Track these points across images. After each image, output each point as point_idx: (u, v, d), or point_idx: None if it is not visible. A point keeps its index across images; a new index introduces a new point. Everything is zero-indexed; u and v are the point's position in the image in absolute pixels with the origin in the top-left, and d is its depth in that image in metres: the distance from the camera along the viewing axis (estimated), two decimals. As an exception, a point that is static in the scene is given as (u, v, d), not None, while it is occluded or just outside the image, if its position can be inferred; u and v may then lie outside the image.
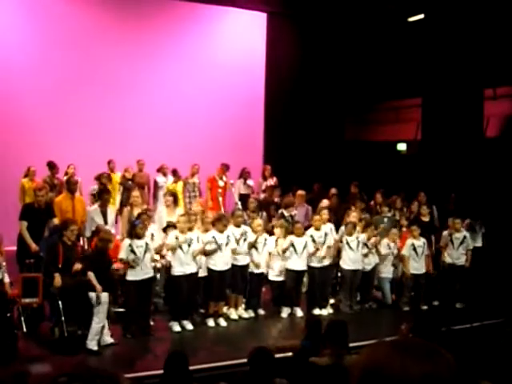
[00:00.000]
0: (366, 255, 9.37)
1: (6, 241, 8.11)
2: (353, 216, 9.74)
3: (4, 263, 7.40)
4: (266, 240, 8.91)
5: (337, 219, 10.06)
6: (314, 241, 9.10)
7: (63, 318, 7.12)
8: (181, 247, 7.95)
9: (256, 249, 8.77)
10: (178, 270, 7.98)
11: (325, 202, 10.85)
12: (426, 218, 10.62)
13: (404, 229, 10.17)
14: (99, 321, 7.08)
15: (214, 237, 8.31)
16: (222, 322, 8.37)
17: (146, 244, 7.75)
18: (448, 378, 1.28)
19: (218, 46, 14.68)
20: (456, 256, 9.86)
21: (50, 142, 12.53)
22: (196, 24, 14.45)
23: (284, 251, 8.90)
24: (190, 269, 8.03)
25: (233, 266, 8.56)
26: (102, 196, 9.23)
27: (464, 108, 13.26)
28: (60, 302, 7.17)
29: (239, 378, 4.58)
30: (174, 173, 12.13)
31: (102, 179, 10.86)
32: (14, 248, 8.50)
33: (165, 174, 12.34)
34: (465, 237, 9.91)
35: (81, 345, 7.03)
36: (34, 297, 7.29)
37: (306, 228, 9.47)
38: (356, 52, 15.37)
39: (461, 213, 10.57)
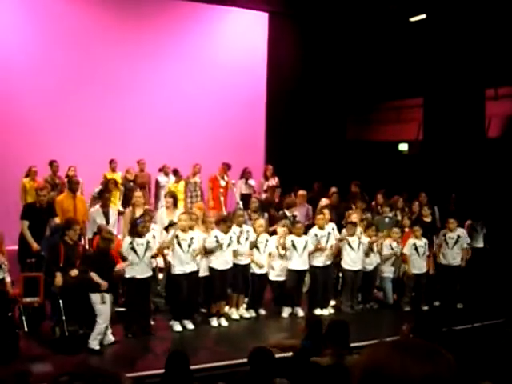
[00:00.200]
0: (367, 255, 9.37)
1: (7, 240, 8.12)
2: (353, 216, 9.74)
3: (6, 262, 7.41)
4: (267, 241, 8.91)
5: (337, 218, 10.06)
6: (317, 239, 9.10)
7: (64, 318, 7.13)
8: (180, 245, 7.94)
9: (258, 249, 8.78)
10: (177, 269, 7.98)
11: (324, 201, 10.87)
12: (427, 219, 10.61)
13: (406, 229, 10.16)
14: (103, 321, 7.09)
15: (216, 236, 8.32)
16: (224, 322, 8.38)
17: (147, 242, 7.76)
18: (448, 378, 1.29)
19: (219, 46, 14.68)
20: (451, 256, 9.86)
21: (50, 141, 12.53)
22: (197, 24, 14.44)
23: (284, 248, 8.88)
24: (190, 268, 8.03)
25: (234, 265, 8.56)
26: (103, 195, 9.25)
27: (466, 108, 13.25)
28: (61, 302, 7.18)
29: (240, 377, 4.58)
30: (175, 172, 12.13)
31: (109, 185, 10.63)
32: (16, 247, 8.51)
33: (166, 174, 12.35)
34: (459, 236, 9.90)
35: (82, 344, 7.04)
36: (35, 296, 7.30)
37: (307, 227, 9.47)
38: (357, 52, 15.35)
39: (462, 213, 10.56)
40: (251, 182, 12.60)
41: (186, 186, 12.03)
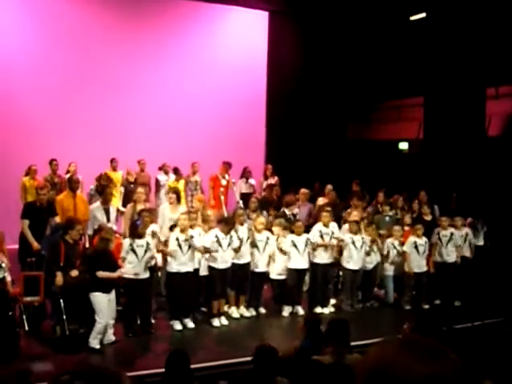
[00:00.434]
0: (368, 254, 9.37)
1: (7, 239, 8.13)
2: (354, 215, 9.74)
3: (6, 262, 7.41)
4: (268, 239, 8.90)
5: (335, 216, 10.05)
6: (321, 236, 9.11)
7: (65, 317, 7.13)
8: (181, 247, 7.94)
9: (257, 248, 8.78)
10: (173, 268, 7.99)
11: (321, 200, 10.89)
12: (427, 217, 10.65)
13: (406, 227, 10.17)
14: (102, 320, 7.09)
15: (216, 236, 8.31)
16: (224, 321, 8.38)
17: (147, 243, 7.76)
18: (454, 378, 1.28)
19: (219, 45, 14.67)
20: (445, 253, 9.89)
21: (51, 141, 12.53)
22: (197, 23, 14.43)
23: (285, 252, 8.89)
24: (186, 268, 8.02)
25: (234, 264, 8.56)
26: (104, 192, 9.24)
27: (466, 107, 13.25)
28: (61, 301, 7.18)
29: (240, 376, 4.58)
30: (176, 171, 12.13)
31: (101, 180, 10.91)
32: (16, 246, 8.51)
33: (166, 173, 12.34)
34: (452, 234, 9.93)
35: (82, 343, 7.04)
36: (36, 295, 7.31)
37: (309, 226, 9.47)
38: (358, 51, 15.35)
39: (463, 212, 10.57)
40: (251, 181, 12.60)
41: (187, 185, 12.04)
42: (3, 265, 7.30)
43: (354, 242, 9.25)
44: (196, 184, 12.15)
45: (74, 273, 7.34)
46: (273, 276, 9.05)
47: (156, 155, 12.54)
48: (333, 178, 12.67)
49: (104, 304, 7.13)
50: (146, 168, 12.38)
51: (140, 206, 8.72)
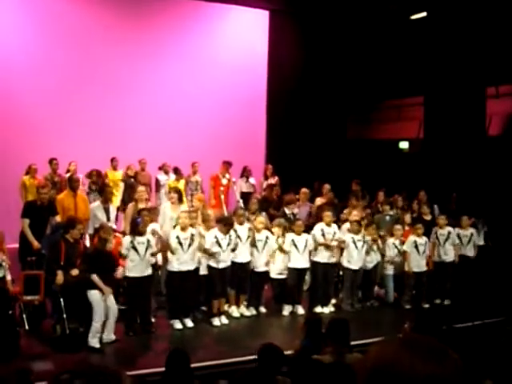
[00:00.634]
0: (367, 253, 9.37)
1: (7, 238, 8.13)
2: (354, 214, 9.74)
3: (7, 260, 7.41)
4: (267, 238, 8.90)
5: (334, 216, 10.05)
6: (323, 235, 9.10)
7: (65, 316, 7.13)
8: (181, 245, 7.95)
9: (256, 247, 8.77)
10: (174, 267, 7.99)
11: (319, 200, 10.91)
12: (427, 217, 10.65)
13: (406, 227, 10.17)
14: (98, 319, 7.09)
15: (216, 236, 8.31)
16: (224, 320, 8.38)
17: (148, 241, 7.77)
18: (455, 378, 1.28)
19: (219, 45, 14.66)
20: (443, 253, 9.90)
21: (51, 140, 12.53)
22: (197, 22, 14.43)
23: (285, 252, 8.89)
24: (188, 266, 8.02)
25: (234, 263, 8.56)
26: (103, 192, 9.26)
27: (466, 106, 13.25)
28: (62, 300, 7.18)
29: (240, 375, 4.58)
30: (176, 171, 12.14)
31: (91, 177, 11.09)
32: (16, 245, 8.51)
33: (166, 172, 12.35)
34: (449, 232, 9.94)
35: (83, 342, 7.05)
36: (36, 294, 7.31)
37: (309, 226, 9.47)
38: (358, 50, 15.34)
39: (463, 212, 10.57)
40: (251, 180, 12.61)
41: (187, 185, 12.06)
42: (3, 264, 7.30)
43: (354, 242, 9.24)
44: (196, 184, 12.17)
45: (75, 272, 7.34)
46: (273, 275, 9.05)
47: (156, 155, 12.53)
48: (333, 177, 12.67)
49: (101, 303, 7.13)
50: (146, 167, 12.39)
51: (141, 205, 8.73)
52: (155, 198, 12.26)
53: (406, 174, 13.90)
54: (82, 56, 13.13)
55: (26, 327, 7.33)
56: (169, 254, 8.05)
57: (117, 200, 11.13)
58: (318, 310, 9.01)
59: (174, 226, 8.41)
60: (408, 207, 11.21)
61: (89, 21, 13.21)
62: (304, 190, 11.11)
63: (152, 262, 7.95)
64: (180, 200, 9.29)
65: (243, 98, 14.79)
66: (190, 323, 8.06)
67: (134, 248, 7.64)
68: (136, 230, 7.76)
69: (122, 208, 10.48)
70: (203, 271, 8.35)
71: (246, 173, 12.55)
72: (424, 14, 14.31)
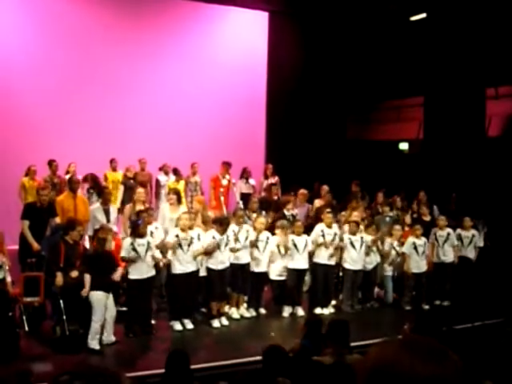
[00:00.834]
0: (367, 254, 9.37)
1: (7, 240, 8.12)
2: (354, 215, 9.74)
3: (6, 262, 7.41)
4: (268, 239, 8.90)
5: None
6: (323, 236, 9.10)
7: (65, 317, 7.13)
8: (181, 246, 7.95)
9: (257, 247, 8.77)
10: (177, 269, 7.99)
11: (317, 202, 10.91)
12: (426, 218, 10.65)
13: (407, 228, 10.18)
14: (97, 320, 7.09)
15: (213, 237, 8.31)
16: (224, 321, 8.37)
17: (148, 242, 7.77)
18: (455, 379, 1.28)
19: (219, 45, 14.67)
20: (442, 254, 9.90)
21: (51, 141, 12.52)
22: (197, 23, 14.43)
23: (286, 251, 8.89)
24: (190, 267, 8.03)
25: (234, 264, 8.56)
26: (102, 195, 9.27)
27: (466, 107, 13.25)
28: (61, 301, 7.18)
29: (240, 377, 4.58)
30: (176, 172, 12.14)
31: (87, 181, 11.12)
32: (16, 247, 8.51)
33: (166, 173, 12.35)
34: (448, 234, 9.93)
35: (82, 343, 7.04)
36: (36, 296, 7.31)
37: (307, 227, 9.47)
38: (358, 51, 15.35)
39: (463, 212, 10.57)
40: (251, 181, 12.61)
41: (186, 186, 12.06)
42: (3, 265, 7.30)
43: (352, 243, 9.25)
44: (196, 184, 12.16)
45: (74, 273, 7.34)
46: (273, 277, 9.05)
47: (156, 155, 12.53)
48: (332, 178, 12.68)
49: (101, 304, 7.13)
50: (146, 167, 12.38)
51: (139, 206, 8.73)
52: (155, 199, 12.27)
53: (406, 175, 13.91)
54: (82, 56, 13.13)
55: (26, 329, 7.33)
56: (169, 255, 8.04)
57: (117, 201, 11.13)
58: (318, 311, 9.00)
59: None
60: (407, 208, 11.21)
61: (89, 21, 13.21)
62: (302, 191, 11.11)
63: (153, 263, 7.95)
64: (179, 201, 9.29)
65: (243, 98, 14.80)
66: (189, 325, 8.06)
67: (135, 250, 7.64)
68: (136, 231, 7.76)
69: (122, 210, 10.47)
70: (203, 273, 8.35)
71: (245, 174, 12.55)
72: (424, 15, 14.32)
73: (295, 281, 9.00)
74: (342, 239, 9.32)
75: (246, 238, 8.67)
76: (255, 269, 8.81)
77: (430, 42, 14.16)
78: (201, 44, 14.47)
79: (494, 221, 11.41)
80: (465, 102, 13.24)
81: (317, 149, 15.01)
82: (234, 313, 8.66)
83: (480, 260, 10.39)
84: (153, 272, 7.88)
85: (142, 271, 7.70)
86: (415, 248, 9.58)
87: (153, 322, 7.98)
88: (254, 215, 9.54)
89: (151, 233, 8.16)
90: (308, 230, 9.35)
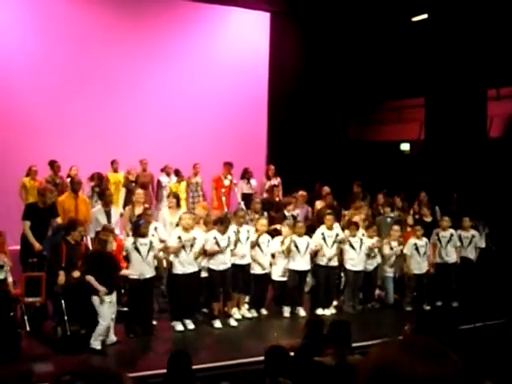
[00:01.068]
0: (368, 255, 9.37)
1: (9, 240, 8.14)
2: (355, 216, 9.73)
3: (8, 262, 7.41)
4: (269, 241, 8.91)
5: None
6: (324, 239, 9.10)
7: (66, 317, 7.13)
8: (184, 247, 7.95)
9: (260, 248, 8.77)
10: (178, 269, 7.99)
11: (318, 203, 10.91)
12: (427, 219, 10.64)
13: (408, 229, 10.17)
14: (104, 322, 7.09)
15: (215, 237, 8.31)
16: (233, 322, 8.36)
17: (150, 242, 7.77)
18: (455, 379, 1.28)
19: (220, 46, 14.67)
20: (445, 254, 9.89)
21: (51, 141, 12.52)
22: (198, 24, 14.43)
23: (289, 251, 8.89)
24: (192, 268, 8.03)
25: (235, 265, 8.56)
26: (104, 195, 9.27)
27: (467, 108, 13.24)
28: (63, 301, 7.19)
29: (242, 377, 4.58)
30: (177, 173, 12.15)
31: (94, 180, 11.16)
32: (18, 247, 8.52)
33: (168, 174, 12.35)
34: (452, 234, 9.93)
35: (84, 344, 7.05)
36: (37, 296, 7.32)
37: (307, 228, 9.46)
38: (359, 52, 15.35)
39: (464, 213, 10.56)
40: (252, 181, 12.62)
41: (188, 187, 12.06)
42: (5, 266, 7.30)
43: (351, 244, 9.24)
44: (197, 185, 12.17)
45: (76, 274, 7.34)
46: (275, 277, 9.05)
47: (157, 156, 12.53)
48: (334, 179, 12.68)
49: (106, 306, 7.13)
50: (147, 168, 12.39)
51: (139, 208, 8.74)
52: (156, 200, 12.27)
53: (407, 176, 13.90)
54: (83, 56, 13.12)
55: (28, 329, 7.34)
56: (171, 257, 8.04)
57: (119, 203, 11.12)
58: (320, 311, 9.00)
59: (177, 224, 8.43)
60: (408, 208, 11.20)
61: (89, 21, 13.20)
62: (301, 192, 11.11)
63: (155, 263, 7.96)
64: (178, 205, 9.31)
65: (244, 99, 14.80)
66: (191, 325, 8.06)
67: (137, 249, 7.65)
68: (138, 231, 7.77)
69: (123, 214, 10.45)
70: (204, 273, 8.35)
71: (247, 174, 12.56)
72: (425, 16, 14.32)
73: (296, 281, 9.00)
74: (342, 241, 9.30)
75: (247, 239, 8.67)
76: (257, 270, 8.81)
77: (431, 42, 14.15)
78: (202, 44, 14.47)
79: (496, 222, 11.40)
80: (466, 103, 13.24)
81: (318, 149, 15.01)
82: (236, 313, 8.66)
83: (481, 261, 10.38)
84: (154, 272, 7.89)
85: (143, 271, 7.70)
86: (417, 249, 9.57)
87: (154, 322, 7.98)
88: (256, 216, 9.54)
89: (152, 235, 8.15)
90: (308, 231, 9.35)
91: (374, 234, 9.52)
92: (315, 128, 15.20)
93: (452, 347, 1.36)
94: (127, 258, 7.76)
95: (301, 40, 15.48)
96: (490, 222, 11.13)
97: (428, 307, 9.60)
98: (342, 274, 9.60)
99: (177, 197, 9.43)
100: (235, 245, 8.50)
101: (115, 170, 12.14)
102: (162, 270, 8.46)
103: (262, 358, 4.65)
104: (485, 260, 10.49)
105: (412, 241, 9.63)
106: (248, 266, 8.74)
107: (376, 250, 9.44)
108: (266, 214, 10.26)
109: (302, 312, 8.95)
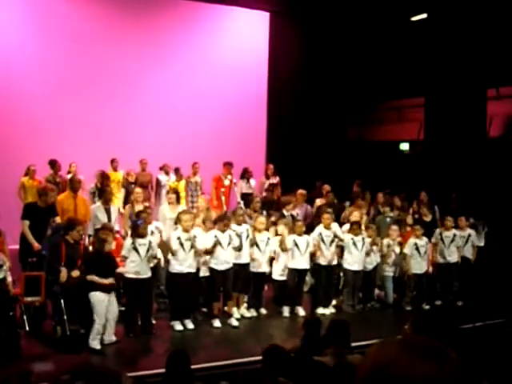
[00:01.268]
0: (367, 254, 9.36)
1: (8, 239, 8.13)
2: (355, 215, 9.73)
3: (7, 262, 7.41)
4: (268, 239, 8.90)
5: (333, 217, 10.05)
6: (322, 239, 9.10)
7: (65, 317, 7.13)
8: (183, 246, 7.95)
9: (258, 247, 8.77)
10: (176, 268, 7.99)
11: (319, 201, 10.89)
12: (427, 218, 10.64)
13: (408, 228, 10.17)
14: (99, 320, 7.09)
15: (216, 236, 8.31)
16: (234, 322, 8.35)
17: (149, 242, 7.77)
18: (454, 378, 1.28)
19: (220, 45, 14.68)
20: (447, 254, 9.89)
21: (51, 140, 12.53)
22: (199, 23, 14.45)
23: (285, 250, 8.89)
24: (189, 268, 8.02)
25: (235, 264, 8.55)
26: (104, 192, 9.28)
27: (467, 108, 13.25)
28: (62, 301, 7.18)
29: (241, 377, 4.58)
30: (177, 171, 12.17)
31: (98, 177, 11.15)
32: (17, 247, 8.51)
33: (167, 173, 12.37)
34: (454, 234, 9.93)
35: (83, 343, 7.04)
36: (37, 295, 7.31)
37: (307, 227, 9.46)
38: (359, 51, 15.35)
39: (463, 213, 10.56)
40: (252, 181, 12.62)
41: (187, 186, 12.07)
42: (4, 265, 7.30)
43: (354, 243, 9.24)
44: (196, 185, 12.17)
45: (75, 273, 7.34)
46: (275, 277, 9.05)
47: (157, 155, 12.55)
48: (333, 178, 12.68)
49: (102, 304, 7.12)
50: (147, 168, 12.40)
51: (138, 206, 8.74)
52: (155, 199, 12.28)
53: (407, 176, 13.90)
54: (82, 56, 13.13)
55: (27, 328, 7.33)
56: (170, 256, 8.04)
57: (119, 202, 11.11)
58: (320, 311, 9.00)
59: (175, 222, 8.42)
60: (407, 208, 11.21)
61: (89, 21, 13.21)
62: (301, 191, 11.11)
63: (154, 263, 7.95)
64: (178, 201, 9.31)
65: (244, 98, 14.81)
66: (190, 325, 8.05)
67: (135, 249, 7.65)
68: (137, 231, 7.76)
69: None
70: (203, 273, 8.34)
71: (246, 174, 12.56)
72: (424, 15, 14.32)
73: (295, 281, 9.00)
74: (341, 239, 9.29)
75: (247, 237, 8.67)
76: (256, 269, 8.80)
77: (430, 42, 14.16)
78: (202, 44, 14.48)
79: (495, 221, 11.40)
80: (466, 103, 13.24)
81: (318, 149, 15.02)
82: (235, 313, 8.65)
83: (481, 260, 10.38)
84: (150, 272, 7.89)
85: (142, 271, 7.69)
86: (417, 249, 9.57)
87: (153, 321, 7.98)
88: (255, 215, 9.53)
89: (151, 232, 8.16)
90: (308, 229, 9.35)
91: (373, 233, 9.51)
92: (315, 128, 15.21)
93: (451, 346, 1.36)
94: (125, 258, 7.74)
95: (300, 40, 15.49)
96: (489, 222, 11.12)
97: (427, 307, 9.60)
98: (341, 274, 9.60)
99: (176, 192, 9.43)
100: (239, 249, 8.48)
101: (115, 169, 12.16)
102: (161, 270, 8.47)
103: (261, 357, 4.64)
104: (484, 259, 10.49)
105: (412, 240, 9.62)
106: (248, 265, 8.73)
107: (374, 248, 9.43)
108: (264, 212, 10.26)
109: (301, 311, 8.94)
